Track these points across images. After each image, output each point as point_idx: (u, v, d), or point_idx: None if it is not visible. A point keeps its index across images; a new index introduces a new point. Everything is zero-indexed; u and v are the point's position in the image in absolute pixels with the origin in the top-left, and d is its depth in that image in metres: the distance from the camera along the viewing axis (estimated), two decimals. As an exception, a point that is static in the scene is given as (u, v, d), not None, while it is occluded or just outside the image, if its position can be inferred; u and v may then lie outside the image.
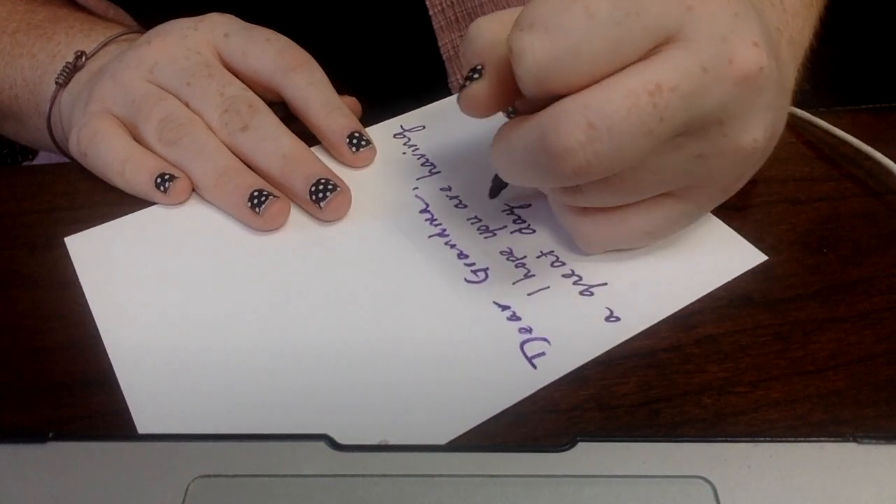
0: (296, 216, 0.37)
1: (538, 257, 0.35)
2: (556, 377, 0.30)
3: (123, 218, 0.37)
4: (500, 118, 0.32)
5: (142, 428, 0.28)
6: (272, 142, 0.37)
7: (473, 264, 0.34)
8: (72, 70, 0.43)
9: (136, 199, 0.38)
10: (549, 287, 0.33)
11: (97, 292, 0.34)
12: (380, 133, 0.42)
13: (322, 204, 0.36)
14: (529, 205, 0.37)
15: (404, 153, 0.41)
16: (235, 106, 0.38)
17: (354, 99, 0.42)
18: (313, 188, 0.36)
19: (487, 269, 0.34)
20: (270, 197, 0.36)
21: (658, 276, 0.34)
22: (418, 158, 0.40)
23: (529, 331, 0.31)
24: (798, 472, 0.25)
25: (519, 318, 0.32)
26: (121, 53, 0.41)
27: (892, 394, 0.29)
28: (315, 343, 0.31)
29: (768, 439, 0.25)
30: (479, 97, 0.30)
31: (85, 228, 0.37)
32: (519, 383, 0.30)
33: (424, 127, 0.42)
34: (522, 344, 0.31)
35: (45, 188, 0.40)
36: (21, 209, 0.39)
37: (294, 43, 0.41)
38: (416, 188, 0.38)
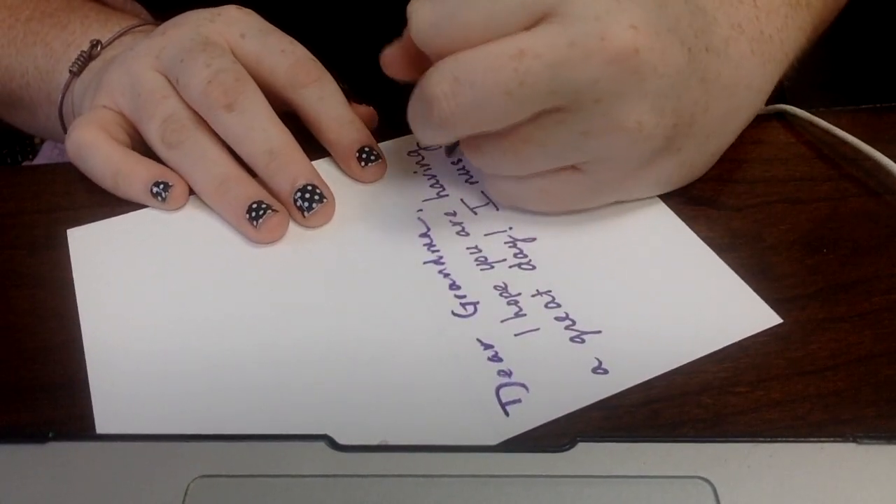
0: (293, 227, 0.36)
1: (533, 296, 0.33)
2: (527, 428, 0.28)
3: (128, 214, 0.37)
4: None
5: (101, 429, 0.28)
6: (259, 132, 0.36)
7: (464, 297, 0.33)
8: (86, 59, 0.43)
9: (137, 200, 0.38)
10: (538, 329, 0.31)
11: (86, 289, 0.34)
12: (394, 148, 0.41)
13: (307, 214, 0.36)
14: (535, 238, 0.36)
15: (415, 172, 0.40)
16: (220, 78, 0.36)
17: (371, 108, 0.41)
18: (299, 194, 0.36)
19: (478, 302, 0.33)
20: (269, 210, 0.35)
21: (658, 329, 0.31)
22: (428, 179, 0.39)
23: (509, 374, 0.30)
24: (798, 472, 0.25)
25: (500, 360, 0.30)
26: (134, 43, 0.41)
27: (892, 394, 0.29)
28: (315, 344, 0.31)
29: (768, 439, 0.25)
30: (389, 57, 0.34)
31: (85, 228, 0.37)
32: (487, 430, 0.28)
33: (441, 146, 0.41)
34: (499, 388, 0.29)
35: (45, 188, 0.40)
36: (21, 209, 0.39)
37: (310, 55, 0.40)
38: (421, 210, 0.37)
